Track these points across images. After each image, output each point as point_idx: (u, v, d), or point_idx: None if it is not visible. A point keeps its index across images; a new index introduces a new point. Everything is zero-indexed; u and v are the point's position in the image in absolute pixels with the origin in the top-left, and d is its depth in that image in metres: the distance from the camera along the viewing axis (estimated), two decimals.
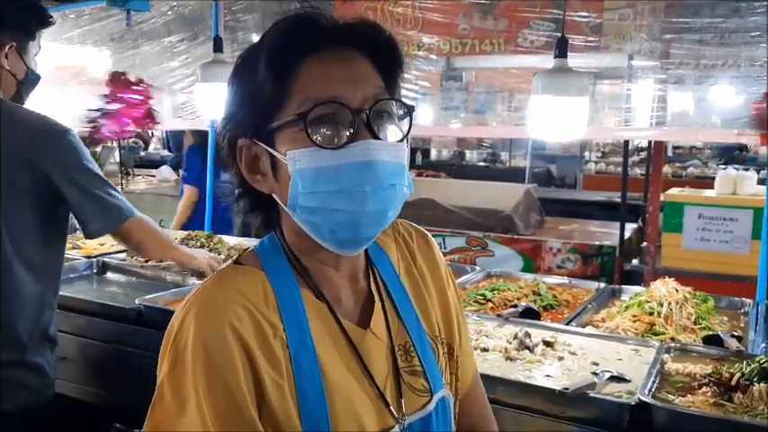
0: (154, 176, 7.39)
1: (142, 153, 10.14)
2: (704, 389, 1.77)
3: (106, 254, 3.38)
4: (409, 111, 1.00)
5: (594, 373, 1.88)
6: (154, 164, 8.62)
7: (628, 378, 1.86)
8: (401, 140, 0.98)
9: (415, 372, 1.05)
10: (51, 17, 2.16)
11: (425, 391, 1.04)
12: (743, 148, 8.99)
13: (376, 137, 0.94)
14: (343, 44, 0.97)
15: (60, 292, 2.34)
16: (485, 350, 2.06)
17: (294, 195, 0.96)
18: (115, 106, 4.27)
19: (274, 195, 1.01)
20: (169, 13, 4.62)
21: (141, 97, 4.35)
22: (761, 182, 4.18)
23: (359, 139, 0.93)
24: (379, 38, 1.00)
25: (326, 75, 0.94)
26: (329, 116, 0.93)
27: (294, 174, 0.94)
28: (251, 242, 3.74)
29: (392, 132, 0.98)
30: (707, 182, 5.94)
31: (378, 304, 1.06)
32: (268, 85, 0.95)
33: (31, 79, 2.14)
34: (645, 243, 4.31)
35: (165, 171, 7.30)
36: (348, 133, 0.93)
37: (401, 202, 0.99)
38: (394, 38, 1.01)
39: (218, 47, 3.30)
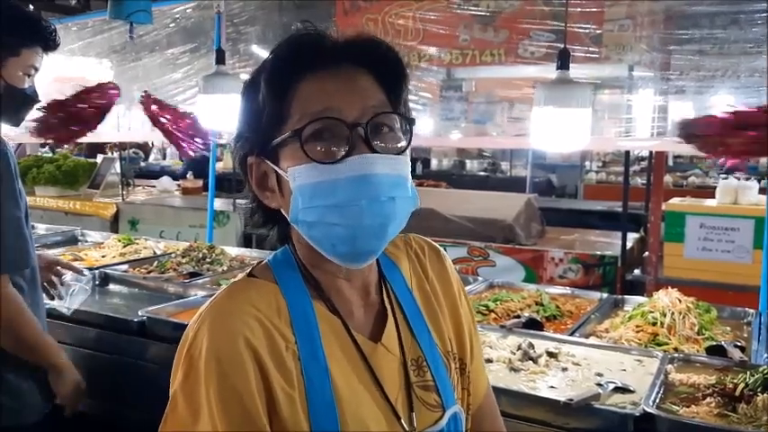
0: (154, 187, 7.40)
1: (142, 163, 10.15)
2: (708, 399, 1.77)
3: (108, 265, 3.39)
4: (410, 124, 1.00)
5: (599, 384, 1.88)
6: (154, 174, 8.62)
7: (632, 389, 1.87)
8: (401, 152, 0.98)
9: (427, 387, 1.04)
10: (47, 35, 1.98)
11: (438, 407, 1.04)
12: None
13: (374, 150, 0.94)
14: (344, 61, 0.97)
15: None
16: (488, 361, 2.06)
17: (295, 210, 0.97)
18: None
19: (282, 211, 1.02)
20: (172, 25, 4.64)
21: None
22: (762, 191, 4.19)
23: (355, 153, 0.93)
24: (379, 51, 1.00)
25: (322, 89, 0.95)
26: (325, 131, 0.94)
27: (295, 189, 0.96)
28: (252, 253, 3.75)
29: (392, 145, 0.97)
30: (708, 191, 5.93)
31: (390, 318, 1.06)
32: (269, 103, 0.96)
33: (12, 95, 1.94)
34: (647, 253, 4.30)
35: (166, 181, 7.32)
36: (345, 147, 0.93)
37: (404, 214, 0.99)
38: (395, 51, 1.01)
39: (219, 59, 3.31)
